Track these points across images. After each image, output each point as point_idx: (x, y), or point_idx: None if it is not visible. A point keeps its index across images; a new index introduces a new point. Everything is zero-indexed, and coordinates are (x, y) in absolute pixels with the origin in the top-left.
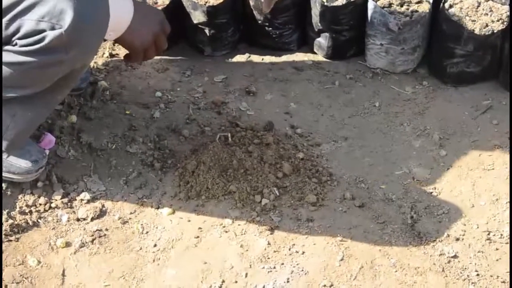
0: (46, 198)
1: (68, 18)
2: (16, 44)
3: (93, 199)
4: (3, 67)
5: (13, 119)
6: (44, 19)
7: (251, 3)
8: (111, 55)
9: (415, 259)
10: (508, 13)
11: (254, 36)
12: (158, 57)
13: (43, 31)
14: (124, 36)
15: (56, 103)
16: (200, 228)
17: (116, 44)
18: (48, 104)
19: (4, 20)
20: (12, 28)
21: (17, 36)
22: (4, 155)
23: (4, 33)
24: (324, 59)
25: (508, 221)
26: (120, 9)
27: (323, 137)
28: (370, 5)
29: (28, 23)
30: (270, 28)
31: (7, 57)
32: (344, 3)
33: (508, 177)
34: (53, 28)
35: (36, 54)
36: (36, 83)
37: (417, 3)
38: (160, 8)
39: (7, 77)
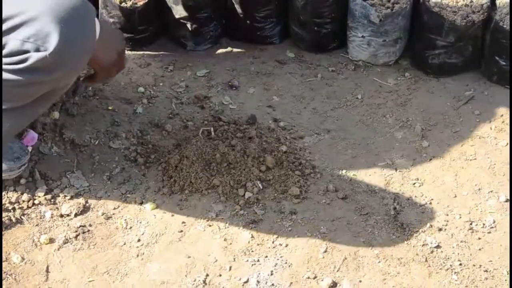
0: (29, 195)
1: (53, 42)
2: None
3: (76, 195)
4: None
5: None
6: (30, 40)
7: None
8: None
9: (398, 249)
10: (489, 3)
11: (236, 30)
12: (140, 52)
13: (27, 51)
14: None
15: (37, 115)
16: (183, 222)
17: None
18: (28, 116)
19: None
20: None
21: (2, 53)
22: None
23: None
24: (307, 52)
25: (490, 211)
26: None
27: (306, 130)
28: None
29: (13, 42)
30: (252, 22)
31: None
32: None
33: (490, 166)
34: (37, 50)
35: (19, 73)
36: (17, 99)
37: None
38: (141, 3)
39: None
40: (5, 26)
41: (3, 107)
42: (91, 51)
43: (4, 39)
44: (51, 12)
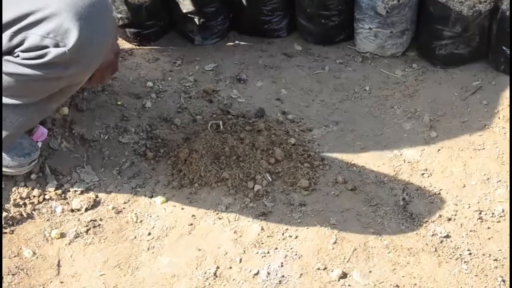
0: (40, 190)
1: (73, 38)
2: (18, 56)
3: (86, 190)
4: (5, 76)
5: (4, 122)
6: (49, 35)
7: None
8: None
9: (408, 240)
10: None
11: (244, 24)
12: (149, 47)
13: (46, 47)
14: None
15: (50, 112)
16: (193, 215)
17: None
18: (41, 112)
19: (9, 32)
20: (16, 40)
21: (20, 48)
22: None
23: (7, 44)
24: (314, 45)
25: (499, 200)
26: None
27: (314, 122)
28: None
29: (32, 37)
30: (259, 15)
31: (8, 67)
32: None
33: (499, 155)
34: (57, 46)
35: (36, 67)
36: (32, 94)
37: None
38: None
39: (7, 86)
40: (25, 22)
41: (18, 102)
42: (108, 48)
43: (23, 35)
44: (71, 9)
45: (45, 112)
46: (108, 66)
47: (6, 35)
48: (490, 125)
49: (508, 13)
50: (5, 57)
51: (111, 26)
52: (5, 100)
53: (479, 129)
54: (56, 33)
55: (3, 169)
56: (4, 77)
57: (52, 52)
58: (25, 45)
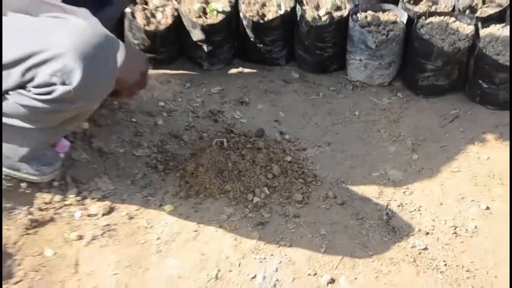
0: (61, 196)
1: (77, 77)
2: (30, 91)
3: (103, 198)
4: (19, 106)
5: (25, 140)
6: (57, 74)
7: (244, 22)
8: None
9: (390, 251)
10: (473, 32)
11: (247, 52)
12: (161, 71)
13: (54, 84)
14: (119, 74)
15: (66, 132)
16: (198, 223)
17: None
18: (58, 133)
19: (21, 68)
20: (28, 76)
21: (31, 84)
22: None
23: (21, 79)
24: (310, 73)
25: (472, 217)
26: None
27: (308, 142)
28: (351, 24)
29: (42, 75)
30: (261, 45)
31: (22, 99)
32: (327, 22)
33: (473, 177)
34: (63, 84)
35: (46, 102)
36: (45, 122)
37: (392, 23)
38: (162, 26)
39: (22, 114)
40: (35, 59)
41: (36, 126)
42: (112, 85)
43: (34, 72)
44: (76, 49)
45: (62, 132)
46: (135, 84)
47: (19, 70)
48: (466, 150)
49: (484, 50)
50: (19, 91)
51: (113, 65)
52: (24, 124)
53: (456, 154)
54: (62, 72)
55: (29, 176)
56: (18, 107)
57: (59, 90)
58: (36, 82)
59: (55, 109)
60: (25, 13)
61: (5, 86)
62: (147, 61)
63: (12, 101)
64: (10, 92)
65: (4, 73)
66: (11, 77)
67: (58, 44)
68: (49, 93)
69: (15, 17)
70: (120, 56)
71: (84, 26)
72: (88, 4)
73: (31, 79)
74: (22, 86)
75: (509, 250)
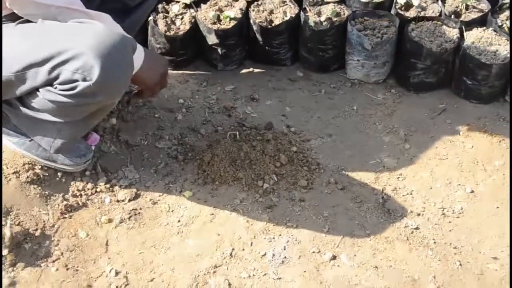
0: (92, 184)
1: (96, 73)
2: (56, 88)
3: (129, 185)
4: (48, 101)
5: (59, 133)
6: (78, 71)
7: (254, 28)
8: None
9: (385, 230)
10: (458, 35)
11: (257, 54)
12: (180, 71)
13: (76, 80)
14: (138, 75)
15: (93, 125)
16: (214, 207)
17: None
18: (87, 125)
19: (47, 67)
20: (54, 74)
21: (57, 81)
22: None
23: (47, 77)
24: (313, 72)
25: (459, 200)
26: (135, 54)
27: (312, 134)
28: (349, 28)
29: (66, 72)
30: (269, 48)
31: (50, 96)
32: (328, 27)
33: (459, 164)
34: (84, 80)
35: (70, 97)
36: (72, 115)
37: (386, 27)
38: (181, 32)
39: (52, 109)
40: (59, 59)
41: (65, 120)
42: (128, 80)
43: (58, 70)
44: (95, 48)
45: (89, 125)
46: (156, 84)
47: (45, 68)
48: (452, 140)
49: (468, 51)
50: (47, 88)
51: (129, 62)
52: (54, 118)
53: (443, 143)
54: (83, 69)
55: (64, 166)
56: (48, 103)
57: (81, 85)
58: (60, 79)
59: (79, 103)
60: (54, 20)
61: (34, 84)
62: (167, 64)
63: (42, 97)
64: (40, 90)
65: (33, 71)
66: (40, 75)
67: (79, 45)
68: (72, 88)
69: (44, 23)
70: (139, 55)
71: (102, 28)
72: (113, 12)
73: (57, 77)
74: (49, 83)
75: (509, 251)
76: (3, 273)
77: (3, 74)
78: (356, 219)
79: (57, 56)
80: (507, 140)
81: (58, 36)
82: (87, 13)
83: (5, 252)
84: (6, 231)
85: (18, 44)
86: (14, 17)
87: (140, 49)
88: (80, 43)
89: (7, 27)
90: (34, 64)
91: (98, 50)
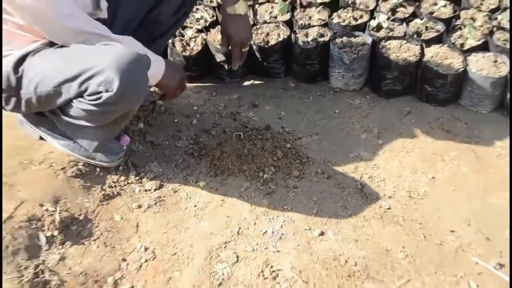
0: (125, 177)
1: (116, 85)
2: (85, 98)
3: (154, 177)
4: (80, 110)
5: (95, 135)
6: (102, 84)
7: (254, 47)
8: None
9: (363, 211)
10: (420, 51)
11: (257, 69)
12: (194, 84)
13: (101, 92)
14: (161, 82)
15: (121, 128)
16: (224, 194)
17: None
18: (116, 128)
19: (78, 81)
20: (83, 87)
21: (86, 93)
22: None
23: (78, 90)
24: (302, 83)
25: (422, 185)
26: (156, 66)
27: (303, 133)
28: (331, 47)
29: (92, 86)
30: (267, 64)
31: (81, 105)
32: (314, 46)
33: (422, 156)
34: (107, 91)
35: (97, 105)
36: (102, 120)
37: (361, 45)
38: (194, 52)
39: (85, 116)
40: (86, 75)
41: (97, 124)
42: (144, 91)
43: (86, 84)
44: (114, 65)
45: (118, 128)
46: (177, 88)
47: (76, 83)
48: (416, 136)
49: (428, 63)
50: (79, 99)
51: (144, 75)
52: (87, 123)
53: (409, 139)
54: (106, 83)
55: (102, 163)
56: (81, 111)
57: (104, 95)
58: (88, 91)
59: (105, 110)
60: (85, 44)
61: (68, 96)
62: (184, 71)
63: (76, 107)
64: (74, 101)
65: (66, 85)
66: (72, 89)
67: (102, 63)
68: (98, 98)
69: (75, 46)
70: (161, 66)
71: (122, 49)
72: (141, 41)
73: (85, 90)
74: (80, 95)
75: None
76: (55, 249)
77: (44, 89)
78: (339, 202)
79: (85, 72)
80: (461, 135)
81: (86, 56)
82: (112, 37)
83: (55, 233)
84: (56, 216)
85: (55, 65)
86: (52, 44)
87: (161, 61)
88: (103, 61)
89: (46, 51)
90: (67, 80)
91: (117, 66)
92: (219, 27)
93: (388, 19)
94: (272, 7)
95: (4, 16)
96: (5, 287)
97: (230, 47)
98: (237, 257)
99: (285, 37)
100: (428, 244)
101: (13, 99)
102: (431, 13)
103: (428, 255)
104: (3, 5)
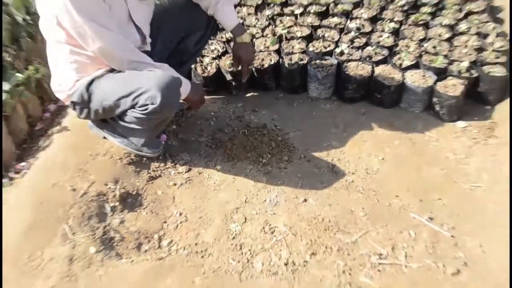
0: (163, 164)
1: (158, 100)
2: (136, 109)
3: (185, 163)
4: (133, 117)
5: (142, 135)
6: (148, 99)
7: (253, 69)
8: None
9: (334, 183)
10: (372, 69)
11: (256, 85)
12: (211, 96)
13: (147, 105)
14: (188, 97)
15: (161, 129)
16: (234, 174)
17: None
18: (157, 129)
19: (131, 97)
20: (135, 101)
21: (137, 105)
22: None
23: (132, 103)
24: (288, 94)
25: (375, 164)
26: (184, 86)
27: (290, 129)
28: (308, 68)
29: (141, 100)
30: (262, 81)
31: (134, 114)
32: (296, 67)
33: (375, 144)
34: (152, 104)
35: (145, 114)
36: (147, 124)
37: (329, 66)
38: (211, 73)
39: (136, 121)
40: (137, 92)
41: (144, 127)
42: (178, 104)
43: (137, 99)
44: (157, 85)
45: (159, 129)
46: (198, 102)
47: (130, 98)
48: (370, 130)
49: (377, 78)
50: (132, 109)
51: (177, 92)
52: (138, 126)
53: (366, 132)
54: (151, 98)
55: (147, 154)
56: (133, 118)
57: (150, 107)
58: (139, 104)
59: (150, 118)
60: (135, 70)
61: (124, 108)
62: (203, 90)
63: (130, 115)
64: (128, 111)
65: (123, 100)
66: (127, 102)
67: (148, 84)
68: (146, 109)
69: (129, 72)
70: (187, 86)
71: (162, 73)
72: (173, 65)
73: (137, 103)
74: (133, 107)
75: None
76: (116, 215)
77: (108, 103)
78: (317, 177)
79: (136, 91)
80: (402, 128)
81: (136, 79)
82: (154, 65)
83: (116, 204)
84: (117, 192)
85: (115, 85)
86: (112, 70)
87: (188, 82)
88: (149, 82)
89: (108, 75)
90: (124, 96)
91: (159, 86)
92: (228, 55)
93: (348, 47)
94: (266, 40)
95: (78, 50)
96: (83, 242)
97: (239, 67)
98: (245, 218)
99: (275, 61)
100: (380, 205)
101: (85, 110)
102: (378, 42)
103: (380, 213)
104: (80, 42)
